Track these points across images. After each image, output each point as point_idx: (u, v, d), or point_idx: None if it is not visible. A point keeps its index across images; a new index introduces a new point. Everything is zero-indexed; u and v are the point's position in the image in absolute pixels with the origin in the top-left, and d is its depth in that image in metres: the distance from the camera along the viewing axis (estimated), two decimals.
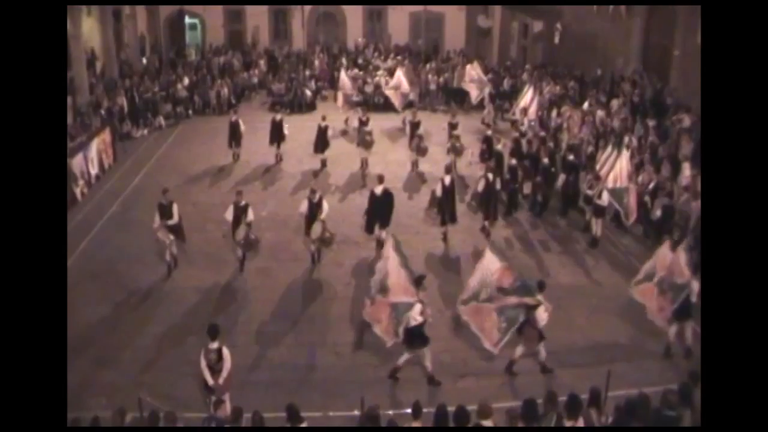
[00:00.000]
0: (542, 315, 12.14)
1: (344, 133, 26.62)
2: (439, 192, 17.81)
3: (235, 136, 23.97)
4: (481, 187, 18.40)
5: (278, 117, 24.25)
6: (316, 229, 16.13)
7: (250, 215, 16.23)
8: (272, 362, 13.22)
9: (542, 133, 22.49)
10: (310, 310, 15.05)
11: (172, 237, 16.17)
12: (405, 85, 27.44)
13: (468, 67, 28.69)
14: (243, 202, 16.22)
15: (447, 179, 17.86)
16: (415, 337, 12.16)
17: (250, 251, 16.46)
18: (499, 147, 21.14)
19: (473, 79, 27.83)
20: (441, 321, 14.25)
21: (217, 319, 13.06)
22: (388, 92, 28.15)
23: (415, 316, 11.93)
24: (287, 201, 20.68)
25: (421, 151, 22.29)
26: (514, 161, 19.84)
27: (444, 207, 17.85)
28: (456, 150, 21.64)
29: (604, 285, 15.92)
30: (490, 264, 12.41)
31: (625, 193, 17.19)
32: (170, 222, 16.05)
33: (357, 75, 32.05)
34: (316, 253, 16.78)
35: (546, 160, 20.06)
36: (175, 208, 16.17)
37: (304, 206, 16.60)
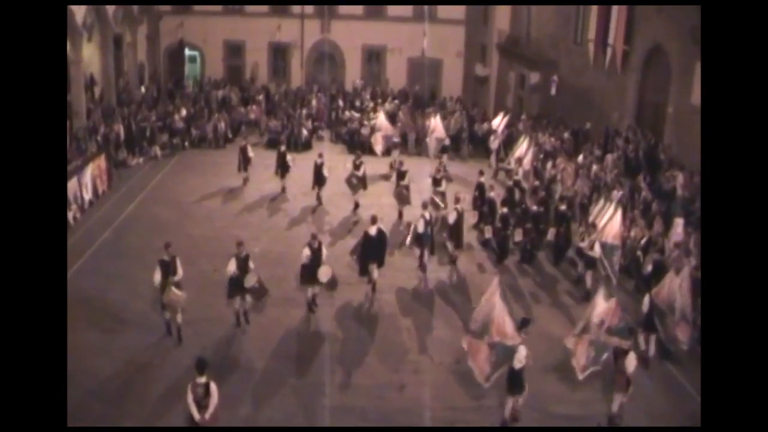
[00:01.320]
0: (632, 361, 12.28)
1: (386, 177, 25.77)
2: (421, 228, 18.02)
3: (244, 160, 24.83)
4: (452, 219, 18.84)
5: (282, 148, 24.96)
6: (326, 272, 15.87)
7: (251, 265, 15.34)
8: (259, 400, 13.10)
9: (536, 183, 22.66)
10: (300, 349, 14.94)
11: (183, 294, 14.77)
12: (389, 129, 27.60)
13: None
14: (244, 253, 15.27)
15: (427, 214, 18.25)
16: (517, 381, 12.22)
17: (260, 300, 15.75)
18: (491, 195, 21.25)
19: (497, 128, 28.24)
20: (431, 368, 14.26)
21: (205, 354, 12.97)
22: (376, 135, 27.92)
23: (521, 359, 12.04)
24: (280, 238, 20.65)
25: (402, 200, 22.11)
26: (505, 209, 19.93)
27: (425, 241, 18.13)
28: (435, 205, 21.20)
29: None
30: (599, 302, 12.92)
31: (615, 251, 17.43)
32: (176, 278, 14.75)
33: (353, 117, 32.29)
34: (312, 298, 16.44)
35: (535, 208, 20.20)
36: (178, 262, 14.97)
37: (306, 254, 15.83)
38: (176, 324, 14.84)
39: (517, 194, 21.52)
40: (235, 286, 15.18)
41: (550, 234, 19.82)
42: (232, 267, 15.10)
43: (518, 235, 19.81)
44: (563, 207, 19.93)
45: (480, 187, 21.79)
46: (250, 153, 25.18)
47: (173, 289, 14.56)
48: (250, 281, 15.15)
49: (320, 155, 23.74)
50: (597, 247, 17.40)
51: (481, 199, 21.43)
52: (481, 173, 22.64)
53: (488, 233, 20.31)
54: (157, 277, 14.66)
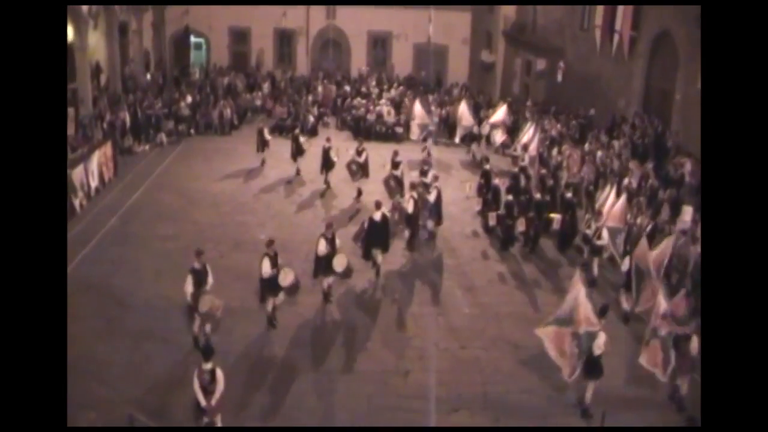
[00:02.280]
0: (695, 344, 12.32)
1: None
2: (410, 209, 18.38)
3: (261, 142, 25.73)
4: (432, 197, 19.28)
5: (296, 131, 25.71)
6: (342, 262, 15.78)
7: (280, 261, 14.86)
8: (265, 386, 13.12)
9: (543, 171, 22.58)
10: (304, 335, 14.94)
11: (220, 302, 13.96)
12: (423, 116, 27.71)
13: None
14: (274, 251, 14.66)
15: (416, 194, 18.73)
16: (596, 366, 12.38)
17: (293, 296, 15.32)
18: (496, 181, 21.18)
19: (500, 121, 27.75)
20: (437, 353, 14.26)
21: (212, 340, 13.00)
22: (412, 124, 28.29)
23: (600, 345, 12.22)
24: (286, 225, 20.65)
25: (390, 190, 21.55)
26: (510, 197, 19.89)
27: (414, 222, 18.65)
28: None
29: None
30: (661, 302, 12.97)
31: (619, 234, 17.44)
32: (207, 287, 13.85)
33: (360, 104, 32.23)
34: (327, 289, 16.26)
35: (539, 196, 20.13)
36: (209, 269, 14.06)
37: (322, 246, 15.62)
38: (206, 334, 13.93)
39: (522, 181, 21.47)
40: (270, 287, 14.72)
41: (556, 222, 19.78)
42: (267, 268, 14.53)
43: (521, 225, 19.78)
44: (569, 194, 19.89)
45: (485, 175, 21.73)
46: (267, 135, 25.78)
47: (211, 298, 13.73)
48: (286, 279, 14.64)
49: (328, 139, 24.01)
50: (605, 234, 17.36)
51: (486, 187, 21.39)
52: (486, 160, 22.61)
53: (492, 220, 20.25)
54: (190, 287, 13.61)
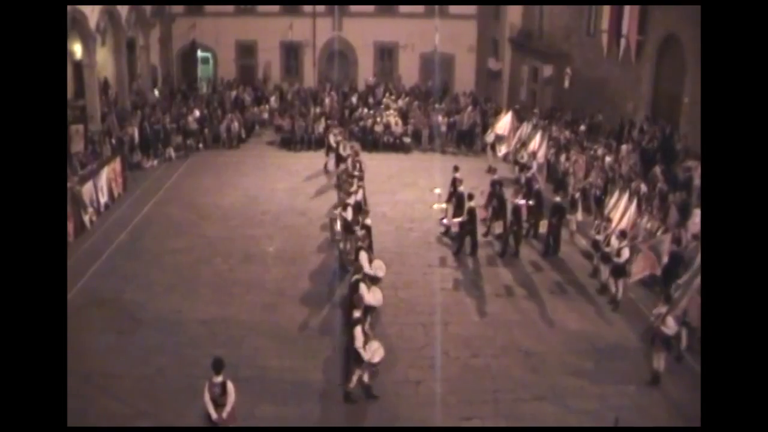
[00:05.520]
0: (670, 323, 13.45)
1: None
2: (350, 216, 18.41)
3: (329, 147, 27.02)
4: (360, 197, 19.59)
5: (330, 137, 27.15)
6: (381, 266, 15.98)
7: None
8: (275, 398, 13.08)
9: (528, 175, 22.42)
10: (314, 346, 14.91)
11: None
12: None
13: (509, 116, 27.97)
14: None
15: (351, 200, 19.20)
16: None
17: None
18: (461, 189, 20.68)
19: (507, 131, 27.34)
20: (447, 362, 14.22)
21: (221, 353, 12.97)
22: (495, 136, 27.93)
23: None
24: (293, 238, 20.60)
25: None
26: (472, 203, 19.52)
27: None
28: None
29: (612, 331, 15.79)
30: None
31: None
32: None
33: (367, 114, 32.24)
34: None
35: (518, 201, 19.98)
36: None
37: (364, 258, 15.65)
38: (365, 383, 13.10)
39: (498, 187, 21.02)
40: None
41: (543, 226, 19.82)
42: (365, 292, 14.38)
43: (498, 228, 19.74)
44: (558, 198, 19.97)
45: (454, 183, 21.28)
46: (333, 142, 26.66)
47: (378, 345, 12.94)
48: (375, 297, 14.71)
49: (351, 147, 24.69)
50: (614, 241, 17.23)
51: (453, 194, 21.01)
52: (456, 169, 21.98)
53: (455, 228, 20.02)
54: (361, 341, 12.69)
